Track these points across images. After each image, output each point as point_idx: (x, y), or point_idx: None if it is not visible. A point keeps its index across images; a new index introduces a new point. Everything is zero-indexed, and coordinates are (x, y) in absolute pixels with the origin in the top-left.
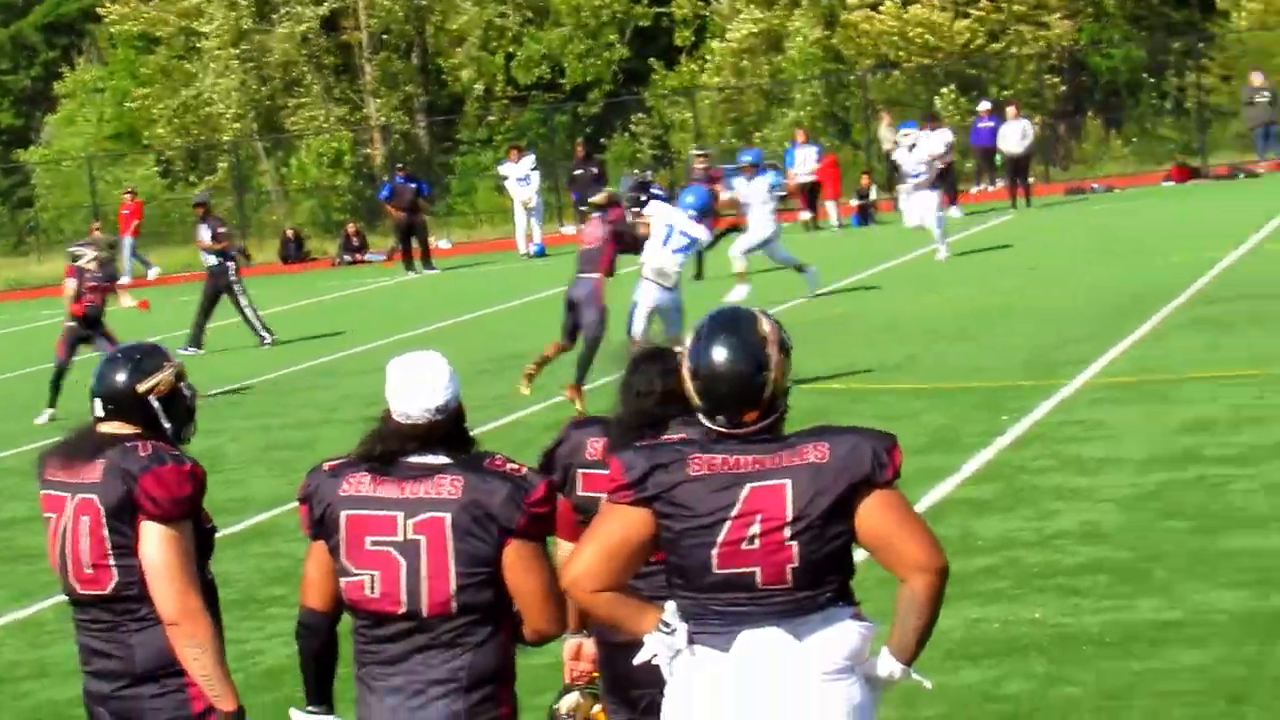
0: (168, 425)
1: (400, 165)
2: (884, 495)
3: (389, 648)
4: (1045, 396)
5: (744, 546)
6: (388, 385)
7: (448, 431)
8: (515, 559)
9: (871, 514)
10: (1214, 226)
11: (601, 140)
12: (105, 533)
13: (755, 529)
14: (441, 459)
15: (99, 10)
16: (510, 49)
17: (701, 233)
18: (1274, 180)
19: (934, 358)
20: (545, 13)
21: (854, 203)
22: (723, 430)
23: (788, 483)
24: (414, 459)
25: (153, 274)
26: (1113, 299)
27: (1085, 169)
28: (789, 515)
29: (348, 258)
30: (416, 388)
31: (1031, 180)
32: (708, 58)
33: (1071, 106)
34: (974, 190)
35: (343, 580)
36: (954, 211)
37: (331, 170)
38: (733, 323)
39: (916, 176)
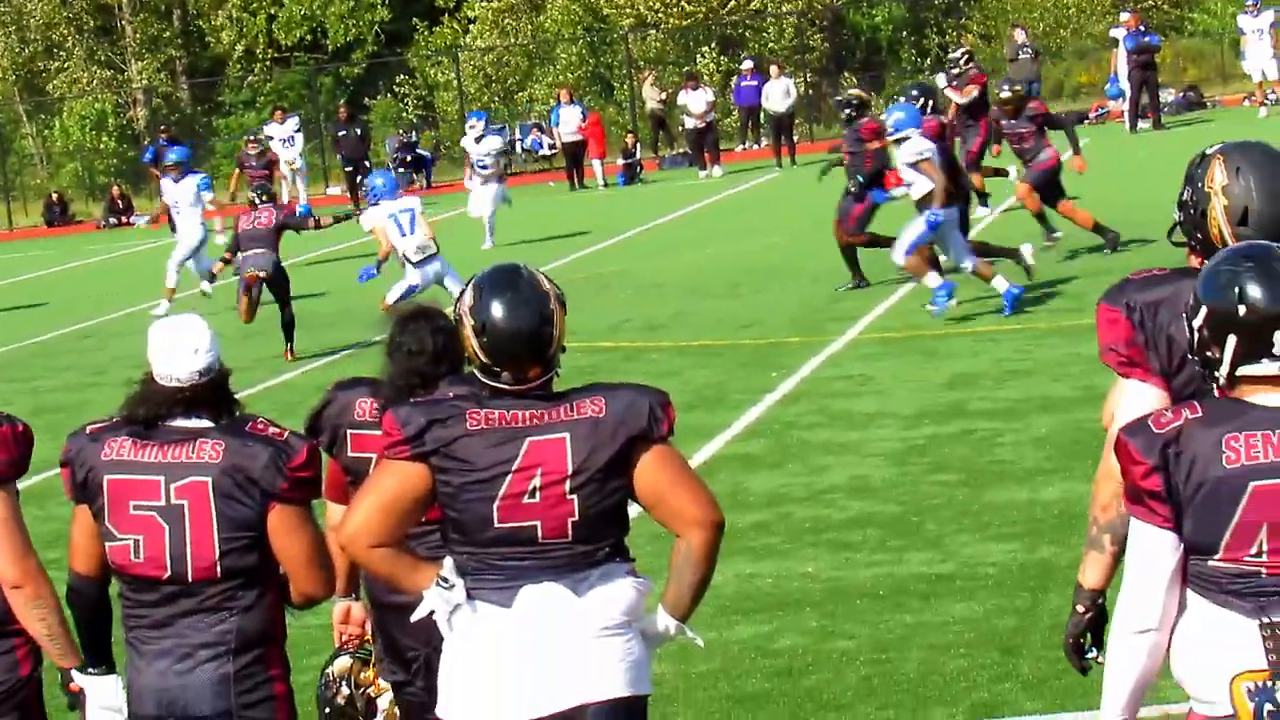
0: None
1: (164, 128)
2: (660, 450)
3: (155, 612)
4: (814, 353)
5: (525, 500)
6: (150, 348)
7: (211, 395)
8: (279, 523)
9: (648, 469)
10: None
11: (366, 101)
12: None
13: (536, 482)
14: (204, 423)
15: None
16: (272, 10)
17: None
18: None
19: (702, 315)
20: None
21: (620, 162)
22: (503, 386)
23: (567, 436)
24: (176, 423)
25: None
26: (878, 256)
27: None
28: (569, 468)
29: (113, 220)
30: (179, 350)
31: (795, 139)
32: (470, 17)
33: (834, 65)
34: (738, 149)
35: (107, 544)
36: (716, 170)
37: (95, 133)
38: (515, 278)
39: (484, 168)
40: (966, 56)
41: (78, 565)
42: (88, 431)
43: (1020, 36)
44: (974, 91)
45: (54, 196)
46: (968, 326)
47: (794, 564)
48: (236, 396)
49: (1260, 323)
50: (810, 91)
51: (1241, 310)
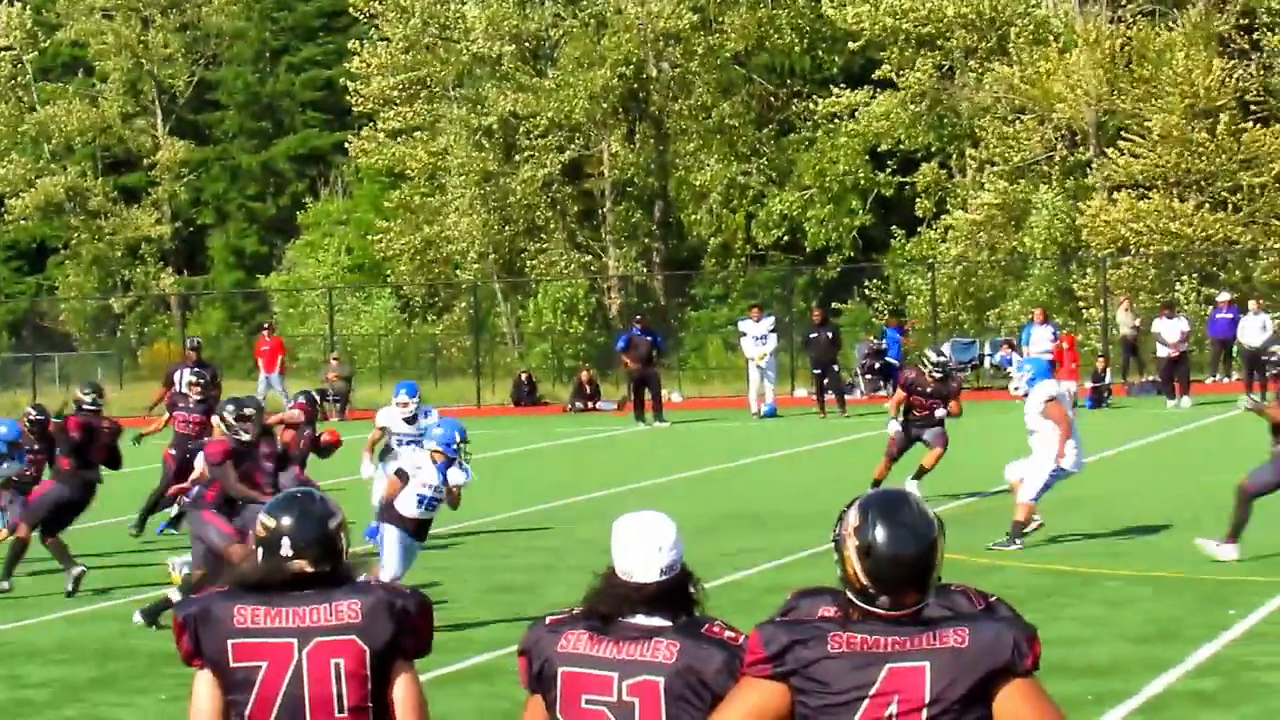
0: None
1: (638, 316)
2: (1023, 684)
3: None
4: (1275, 594)
5: None
6: (614, 543)
7: (671, 593)
8: None
9: (1010, 703)
10: None
11: (835, 305)
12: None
13: (893, 709)
14: (660, 621)
15: (346, 144)
16: (750, 208)
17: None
18: None
19: (1163, 546)
20: (788, 174)
21: (1089, 385)
22: (876, 611)
23: (927, 665)
24: (635, 620)
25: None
26: None
27: None
28: (927, 698)
29: (579, 404)
30: (643, 549)
31: (1270, 374)
32: (948, 227)
33: None
34: (1208, 380)
35: None
36: (1185, 401)
37: (567, 316)
38: (902, 505)
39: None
40: None
41: None
42: (548, 623)
43: None
44: None
45: (523, 376)
46: None
47: None
48: (696, 596)
49: None
50: None
51: None
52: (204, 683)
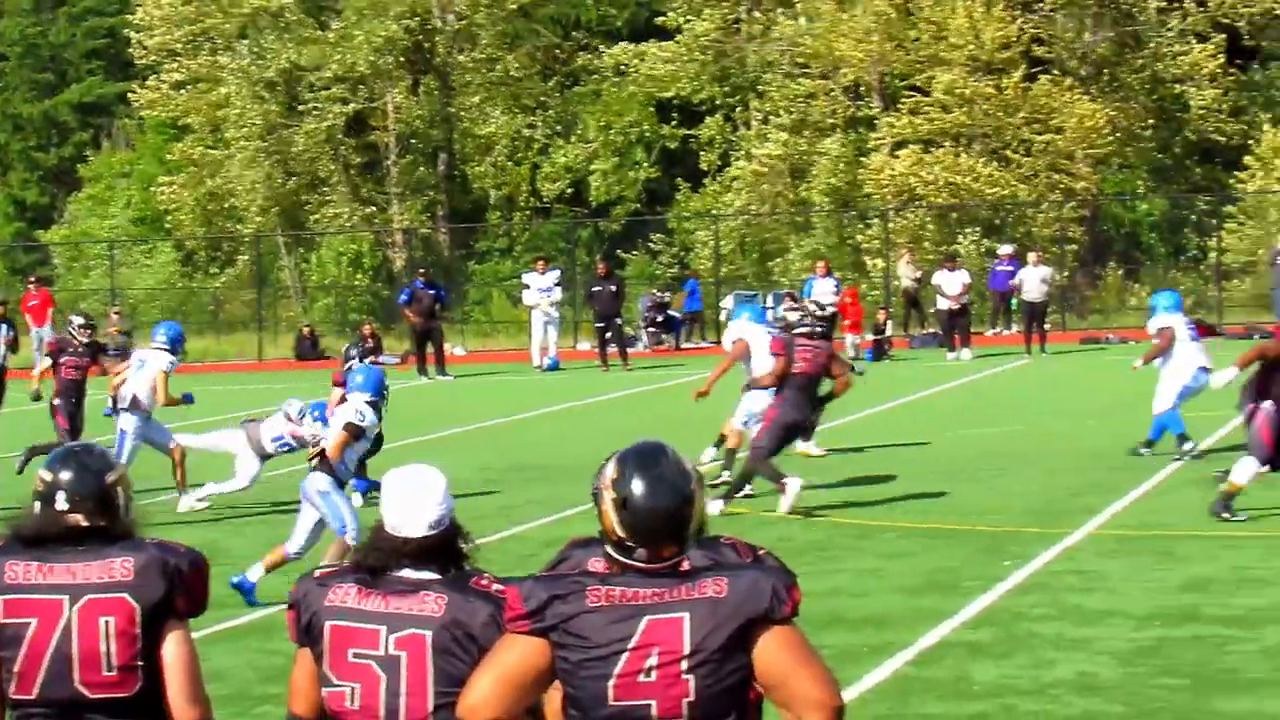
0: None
1: (421, 270)
2: (782, 632)
3: None
4: (1049, 544)
5: (640, 679)
6: (383, 498)
7: (440, 547)
8: None
9: (769, 650)
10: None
11: (621, 255)
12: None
13: (652, 661)
14: (429, 575)
15: (130, 95)
16: (536, 160)
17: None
18: None
19: (941, 497)
20: (573, 127)
21: (869, 337)
22: (635, 564)
23: (686, 615)
24: (403, 573)
25: None
26: (1122, 451)
27: (1102, 319)
28: (686, 648)
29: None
30: (412, 503)
31: (1047, 327)
32: (733, 178)
33: (1091, 256)
34: (988, 333)
35: (325, 689)
36: (965, 354)
37: (351, 270)
38: (659, 457)
39: None
40: None
41: (296, 707)
42: (316, 576)
43: None
44: None
45: (306, 330)
46: (1207, 530)
47: None
48: (465, 550)
49: None
50: (1067, 281)
51: None
52: None
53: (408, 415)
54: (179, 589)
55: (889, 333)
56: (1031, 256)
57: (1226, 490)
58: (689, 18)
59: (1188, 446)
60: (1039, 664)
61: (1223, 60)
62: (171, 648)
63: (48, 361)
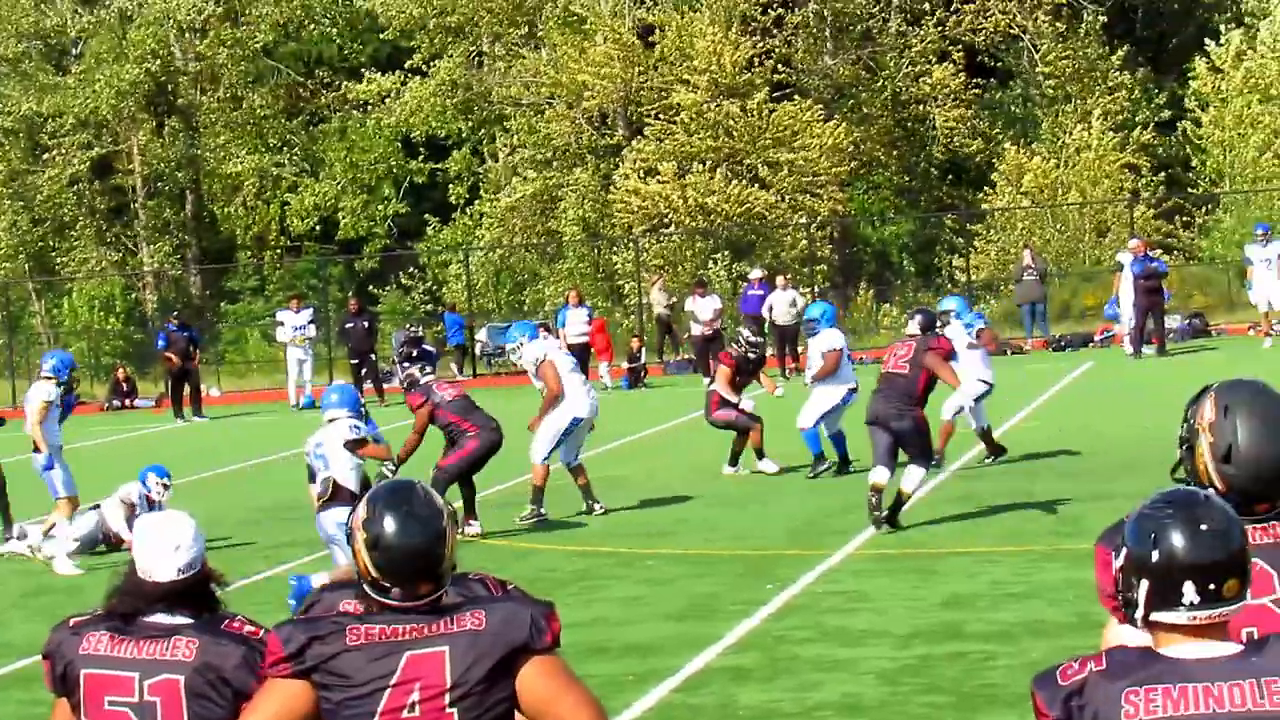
0: None
1: (174, 313)
2: (543, 661)
3: None
4: (810, 566)
5: (404, 715)
6: (134, 544)
7: (191, 591)
8: None
9: (531, 681)
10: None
11: (373, 290)
12: None
13: (415, 696)
14: (181, 619)
15: None
16: (285, 198)
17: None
18: (1041, 358)
19: (702, 524)
20: (321, 163)
21: (624, 365)
22: (391, 603)
23: (446, 649)
24: (155, 618)
25: None
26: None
27: (855, 340)
28: (448, 682)
29: (116, 403)
30: (161, 547)
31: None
32: (483, 214)
33: (842, 277)
34: None
35: None
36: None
37: (103, 314)
38: (409, 495)
39: None
40: None
41: None
42: (70, 624)
43: (1027, 258)
44: None
45: None
46: (966, 546)
47: None
48: (218, 593)
49: (1170, 570)
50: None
51: (1154, 556)
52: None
53: (165, 458)
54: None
55: (643, 360)
56: (780, 280)
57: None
58: (434, 59)
59: (822, 468)
60: (804, 686)
61: (963, 79)
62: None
63: None
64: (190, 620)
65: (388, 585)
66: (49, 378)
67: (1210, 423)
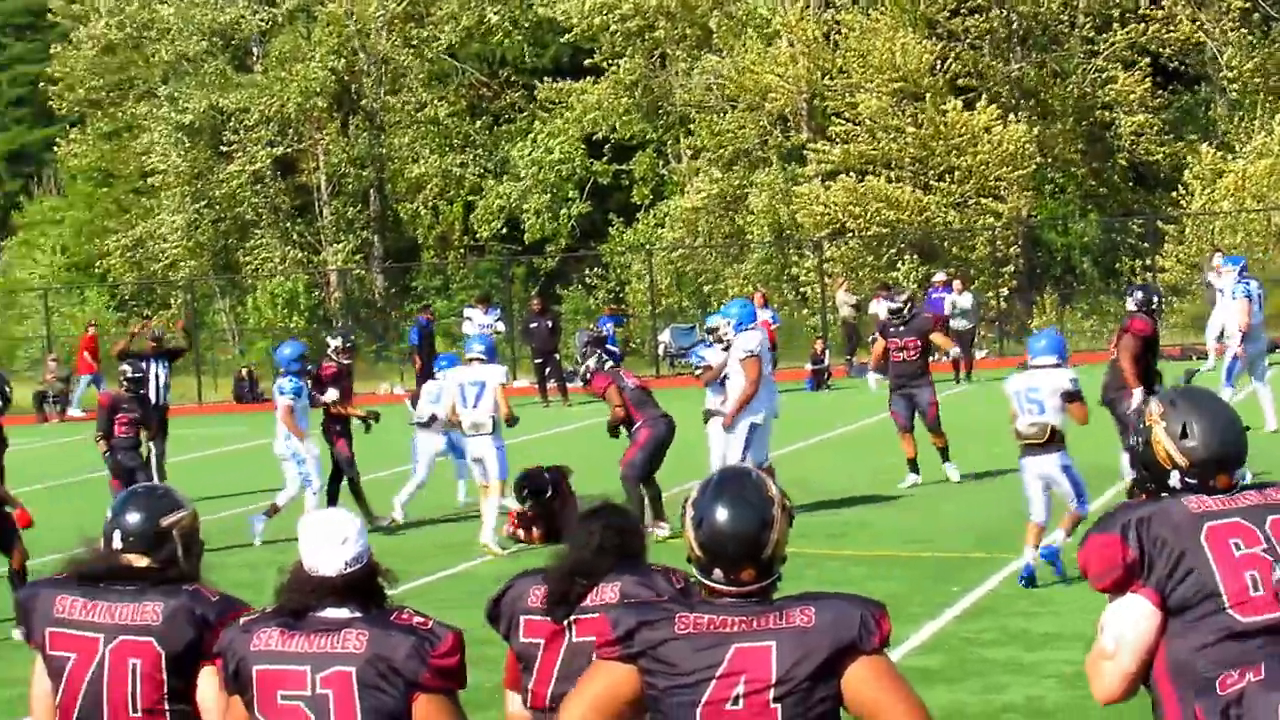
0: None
1: (425, 305)
2: (871, 662)
3: None
4: (996, 569)
5: (728, 707)
6: (300, 539)
7: (358, 585)
8: (423, 713)
9: (858, 680)
10: None
11: (557, 292)
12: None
13: (739, 689)
14: (350, 613)
15: (54, 144)
16: (469, 199)
17: None
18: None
19: (883, 526)
20: (504, 164)
21: (808, 367)
22: (716, 586)
23: (773, 644)
24: (324, 613)
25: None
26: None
27: None
28: (773, 677)
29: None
30: (327, 544)
31: (984, 353)
32: (665, 215)
33: (1027, 281)
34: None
35: None
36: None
37: (286, 312)
38: (740, 480)
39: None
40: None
41: None
42: (241, 623)
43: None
44: None
45: (244, 373)
46: None
47: None
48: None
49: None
50: (1003, 306)
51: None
52: (38, 667)
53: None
54: (209, 635)
55: (827, 362)
56: (956, 284)
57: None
58: (614, 61)
59: None
60: (990, 689)
61: (1149, 85)
62: (206, 691)
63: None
64: (360, 613)
65: (707, 565)
66: (280, 372)
67: (1161, 413)
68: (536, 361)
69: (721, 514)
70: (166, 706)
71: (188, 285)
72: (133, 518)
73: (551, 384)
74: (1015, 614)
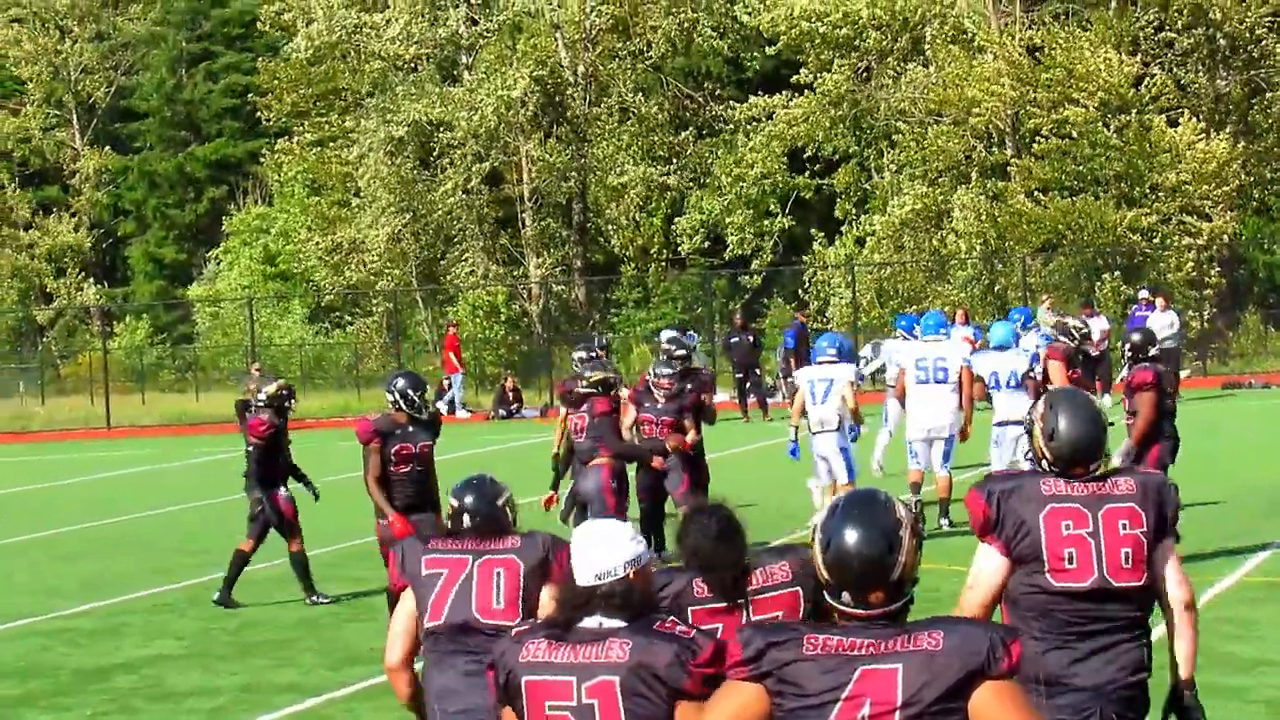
0: None
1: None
2: (1000, 687)
3: None
4: (1198, 592)
5: None
6: (572, 552)
7: (623, 596)
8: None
9: (986, 707)
10: None
11: (763, 301)
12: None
13: (865, 711)
14: (615, 622)
15: (260, 154)
16: (669, 211)
17: None
18: None
19: None
20: (707, 176)
21: None
22: (845, 609)
23: (899, 667)
24: (590, 624)
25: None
26: (1269, 495)
27: (1242, 363)
28: (899, 700)
29: (503, 412)
30: (594, 554)
31: (1187, 373)
32: (869, 230)
33: (1230, 300)
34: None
35: None
36: (1105, 400)
37: (489, 323)
38: (869, 504)
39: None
40: None
41: None
42: (513, 635)
43: None
44: None
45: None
46: None
47: None
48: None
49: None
50: (1206, 326)
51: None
52: (405, 595)
53: (542, 469)
54: (552, 559)
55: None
56: (1159, 301)
57: None
58: (821, 73)
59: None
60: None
61: None
62: (545, 598)
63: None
64: (624, 623)
65: (836, 588)
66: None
67: (1041, 414)
68: (737, 376)
69: (848, 537)
70: (521, 601)
71: (390, 295)
72: (474, 501)
73: (751, 399)
74: (1219, 638)
